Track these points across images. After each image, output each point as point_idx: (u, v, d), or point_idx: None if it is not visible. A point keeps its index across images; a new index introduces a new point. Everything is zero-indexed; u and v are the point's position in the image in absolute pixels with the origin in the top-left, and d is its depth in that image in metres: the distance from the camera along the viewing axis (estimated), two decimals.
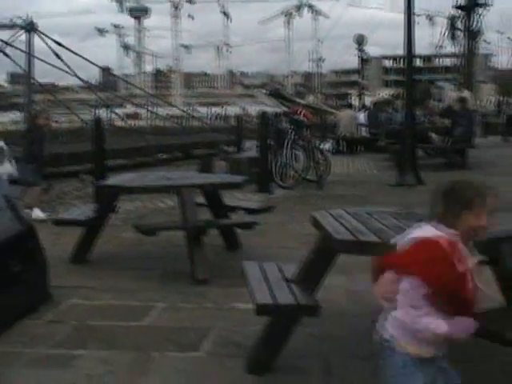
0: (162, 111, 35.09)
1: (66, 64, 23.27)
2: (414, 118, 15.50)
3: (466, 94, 21.62)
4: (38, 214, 10.22)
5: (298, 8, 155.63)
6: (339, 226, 4.46)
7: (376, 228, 4.38)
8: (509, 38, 68.06)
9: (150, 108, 36.33)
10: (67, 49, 23.36)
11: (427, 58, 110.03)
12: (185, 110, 38.36)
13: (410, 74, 15.22)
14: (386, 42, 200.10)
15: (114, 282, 6.61)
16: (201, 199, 7.93)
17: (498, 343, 3.82)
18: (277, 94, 33.78)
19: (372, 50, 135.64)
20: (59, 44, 23.20)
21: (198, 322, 5.45)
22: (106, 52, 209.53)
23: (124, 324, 5.43)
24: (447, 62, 72.56)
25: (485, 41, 62.97)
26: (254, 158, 14.11)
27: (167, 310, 5.76)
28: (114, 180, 8.22)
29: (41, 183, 10.75)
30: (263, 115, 13.69)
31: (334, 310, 5.51)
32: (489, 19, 77.48)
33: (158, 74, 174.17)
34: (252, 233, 7.99)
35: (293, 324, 4.39)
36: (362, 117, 26.17)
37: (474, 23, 58.00)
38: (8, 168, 9.65)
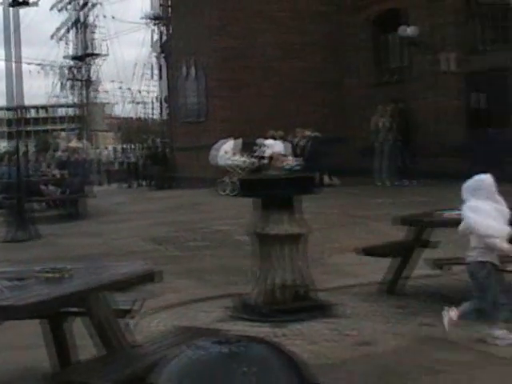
0: None
1: None
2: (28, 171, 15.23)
3: (78, 144, 21.82)
4: None
5: None
6: None
7: None
8: (120, 87, 69.49)
9: None
10: None
11: (46, 108, 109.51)
12: None
13: (19, 126, 14.98)
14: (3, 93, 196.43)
15: None
16: None
17: None
18: None
19: None
20: None
21: None
22: None
23: None
24: (69, 111, 72.60)
25: (105, 91, 64.36)
26: None
27: None
28: None
29: None
30: None
31: None
32: (108, 68, 79.48)
33: None
34: None
35: None
36: None
37: (91, 73, 59.20)
38: None
